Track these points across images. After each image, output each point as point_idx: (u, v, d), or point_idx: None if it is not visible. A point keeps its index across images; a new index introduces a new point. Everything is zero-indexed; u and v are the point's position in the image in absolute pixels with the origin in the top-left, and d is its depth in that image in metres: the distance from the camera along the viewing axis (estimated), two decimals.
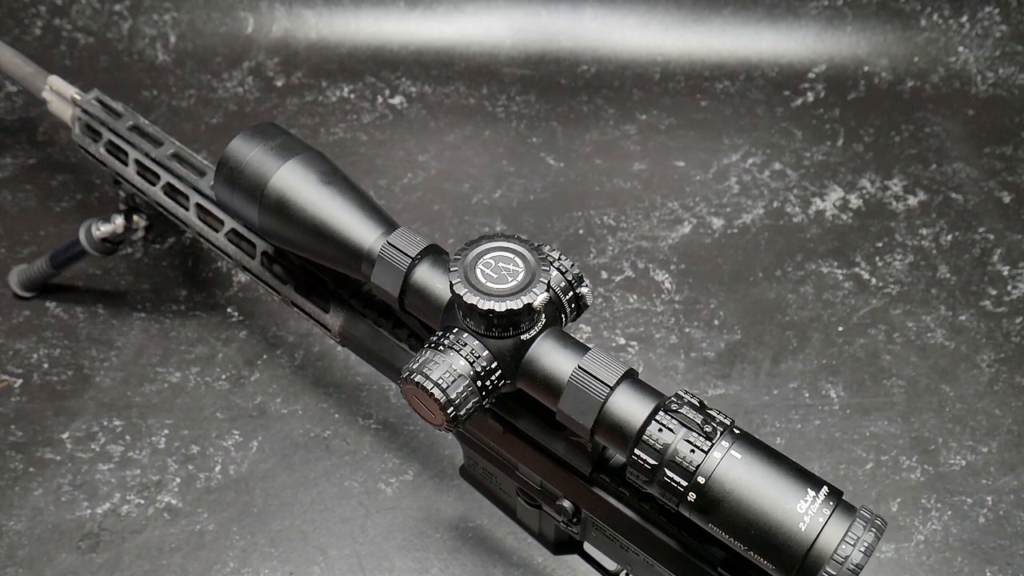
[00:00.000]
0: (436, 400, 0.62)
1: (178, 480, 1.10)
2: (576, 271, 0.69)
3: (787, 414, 1.19)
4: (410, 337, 0.79)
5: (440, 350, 0.63)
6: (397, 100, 1.65)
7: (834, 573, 0.53)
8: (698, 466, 0.57)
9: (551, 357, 0.64)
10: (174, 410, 1.17)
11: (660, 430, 0.58)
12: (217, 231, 0.91)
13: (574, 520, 0.73)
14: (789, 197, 1.50)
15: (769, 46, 1.73)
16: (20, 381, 1.20)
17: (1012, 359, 1.26)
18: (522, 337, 0.64)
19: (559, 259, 0.69)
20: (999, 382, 1.23)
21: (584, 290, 0.69)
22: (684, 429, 0.58)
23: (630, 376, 0.62)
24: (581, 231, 1.43)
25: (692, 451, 0.57)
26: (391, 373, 0.81)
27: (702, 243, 1.42)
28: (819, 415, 1.19)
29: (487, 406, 0.67)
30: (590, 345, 0.64)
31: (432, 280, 0.68)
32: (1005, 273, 1.37)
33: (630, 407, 0.60)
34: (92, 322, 1.27)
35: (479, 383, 0.63)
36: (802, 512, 0.54)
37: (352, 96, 1.66)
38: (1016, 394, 1.22)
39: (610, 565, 0.83)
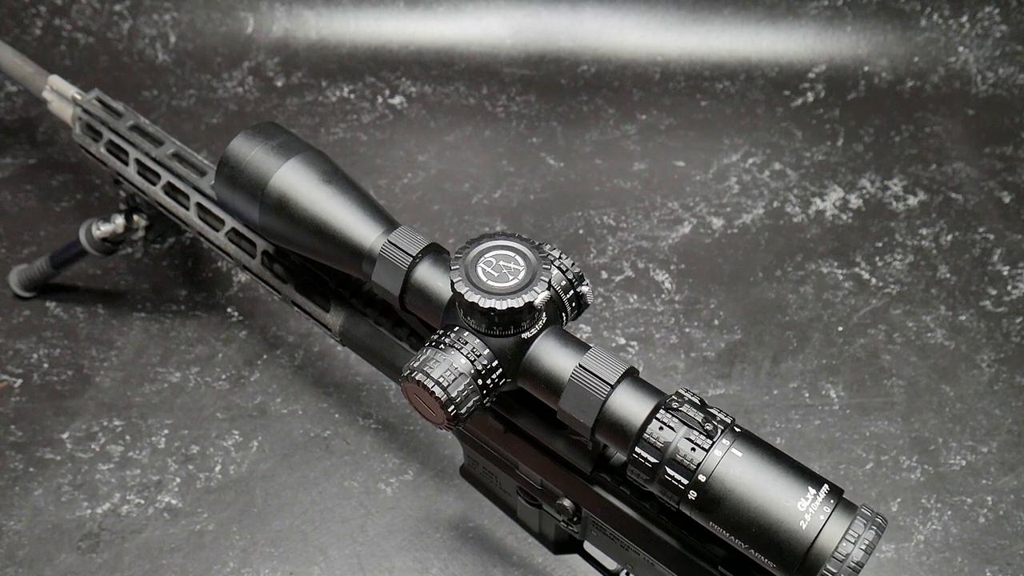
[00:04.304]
0: (437, 398, 0.62)
1: (178, 480, 1.10)
2: (577, 270, 0.69)
3: (787, 414, 1.19)
4: (411, 336, 0.79)
5: (441, 349, 0.63)
6: (397, 100, 1.65)
7: (835, 571, 0.53)
8: (699, 464, 0.57)
9: (552, 356, 0.64)
10: (174, 410, 1.17)
11: (661, 428, 0.58)
12: (217, 230, 0.91)
13: (574, 519, 0.73)
14: (789, 197, 1.50)
15: (769, 46, 1.73)
16: (20, 381, 1.20)
17: (1012, 359, 1.26)
18: (523, 336, 0.64)
19: (560, 258, 0.69)
20: (999, 382, 1.23)
21: (585, 289, 0.69)
22: (685, 427, 0.58)
23: (631, 374, 0.62)
24: (581, 231, 1.43)
25: (693, 449, 0.57)
26: (392, 372, 0.81)
27: (702, 243, 1.42)
28: (819, 415, 1.19)
29: (488, 405, 0.67)
30: (591, 344, 0.64)
31: (433, 279, 0.68)
32: (1005, 273, 1.37)
33: (631, 405, 0.60)
34: (92, 322, 1.27)
35: (480, 381, 0.63)
36: (803, 510, 0.54)
37: (352, 96, 1.66)
38: (1016, 394, 1.22)
39: (610, 564, 0.83)
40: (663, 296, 1.34)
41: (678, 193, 1.50)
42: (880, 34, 1.72)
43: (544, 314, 0.65)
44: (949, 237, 1.43)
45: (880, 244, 1.42)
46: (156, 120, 1.58)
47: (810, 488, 0.55)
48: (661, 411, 0.59)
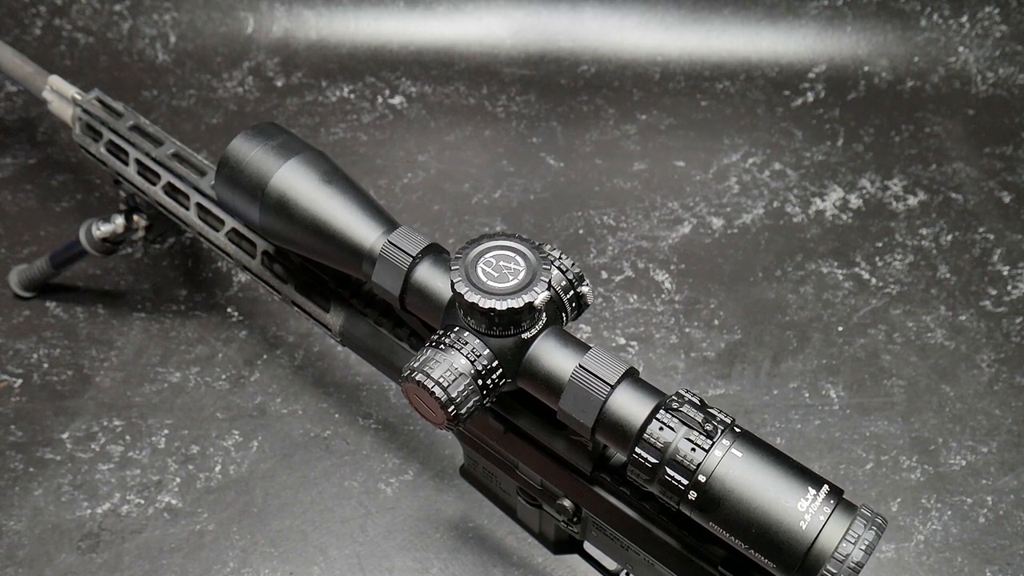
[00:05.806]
0: (437, 399, 0.62)
1: (178, 480, 1.10)
2: (577, 270, 0.69)
3: (787, 414, 1.19)
4: (411, 336, 0.79)
5: (441, 349, 0.63)
6: (397, 100, 1.65)
7: (835, 571, 0.53)
8: (699, 464, 0.57)
9: (552, 356, 0.64)
10: (174, 410, 1.17)
11: (661, 428, 0.58)
12: (218, 231, 0.91)
13: (574, 519, 0.73)
14: (789, 197, 1.50)
15: (769, 46, 1.73)
16: (20, 381, 1.20)
17: (1012, 359, 1.26)
18: (523, 336, 0.64)
19: (560, 258, 0.69)
20: (999, 382, 1.23)
21: (585, 289, 0.69)
22: (685, 428, 0.58)
23: (631, 375, 0.62)
24: (581, 231, 1.43)
25: (693, 449, 0.57)
26: (392, 372, 0.81)
27: (702, 243, 1.42)
28: (819, 415, 1.19)
29: (488, 405, 0.67)
30: (591, 344, 0.64)
31: (433, 279, 0.68)
32: (1005, 273, 1.37)
33: (631, 406, 0.60)
34: (92, 322, 1.27)
35: (480, 382, 0.63)
36: (803, 510, 0.54)
37: (352, 96, 1.66)
38: (1016, 394, 1.22)
39: (610, 565, 0.83)
40: (663, 296, 1.34)
41: (678, 193, 1.50)
42: (880, 34, 1.72)
43: (544, 314, 0.65)
44: (949, 237, 1.43)
45: (880, 244, 1.42)
46: (156, 120, 1.58)
47: (810, 488, 0.55)
48: (661, 411, 0.59)
